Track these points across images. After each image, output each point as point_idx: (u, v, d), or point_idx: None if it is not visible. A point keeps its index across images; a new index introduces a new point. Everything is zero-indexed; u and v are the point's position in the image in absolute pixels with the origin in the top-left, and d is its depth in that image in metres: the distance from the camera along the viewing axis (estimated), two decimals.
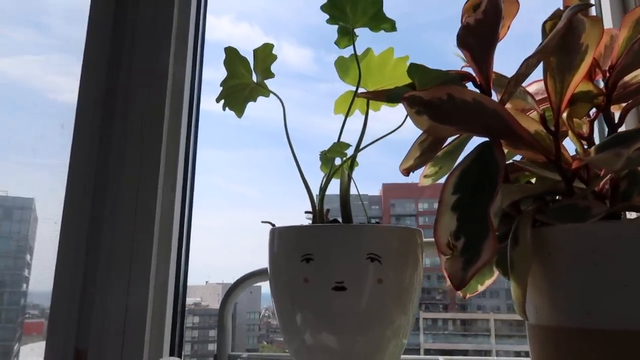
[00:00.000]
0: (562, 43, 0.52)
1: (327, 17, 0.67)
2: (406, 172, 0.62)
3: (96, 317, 0.75)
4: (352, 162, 0.59)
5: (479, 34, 0.52)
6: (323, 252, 0.49)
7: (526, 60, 0.49)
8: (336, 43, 0.69)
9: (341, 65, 0.69)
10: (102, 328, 0.74)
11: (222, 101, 0.65)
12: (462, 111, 0.52)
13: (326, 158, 0.64)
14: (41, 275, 0.86)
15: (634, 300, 0.45)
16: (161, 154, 0.82)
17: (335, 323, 0.49)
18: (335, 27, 0.67)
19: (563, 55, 0.52)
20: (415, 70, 0.56)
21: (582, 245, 0.48)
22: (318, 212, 0.56)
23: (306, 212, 0.59)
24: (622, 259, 0.46)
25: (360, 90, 0.67)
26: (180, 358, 0.68)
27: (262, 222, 0.57)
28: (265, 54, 0.62)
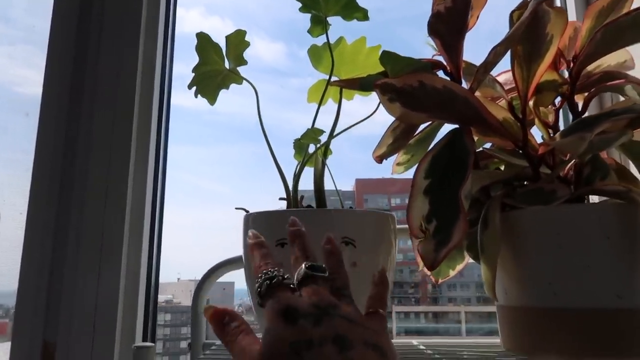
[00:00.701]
0: (528, 33, 0.53)
1: (300, 7, 0.67)
2: (379, 159, 0.63)
3: (65, 309, 0.73)
4: (326, 148, 0.59)
5: (449, 21, 0.53)
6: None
7: (494, 48, 0.50)
8: (309, 32, 0.69)
9: (314, 54, 0.69)
10: (71, 321, 0.73)
11: (194, 88, 0.64)
12: (433, 98, 0.53)
13: (300, 145, 0.64)
14: (3, 274, 0.83)
15: (596, 280, 0.47)
16: (131, 147, 0.80)
17: None
18: (308, 18, 0.67)
19: (529, 44, 0.54)
20: (387, 57, 0.57)
21: (547, 228, 0.49)
22: (292, 198, 0.56)
23: (280, 199, 0.59)
24: (585, 240, 0.48)
25: (333, 79, 0.68)
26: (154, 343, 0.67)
27: (236, 208, 0.57)
28: (237, 41, 0.62)
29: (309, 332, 0.29)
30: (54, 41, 0.85)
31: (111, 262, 0.73)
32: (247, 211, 0.56)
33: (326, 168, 0.57)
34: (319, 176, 0.56)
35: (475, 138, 0.64)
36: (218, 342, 0.63)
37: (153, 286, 0.77)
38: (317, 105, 0.65)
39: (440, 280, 0.66)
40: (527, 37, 0.53)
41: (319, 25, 0.68)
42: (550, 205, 0.49)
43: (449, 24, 0.53)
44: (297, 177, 0.58)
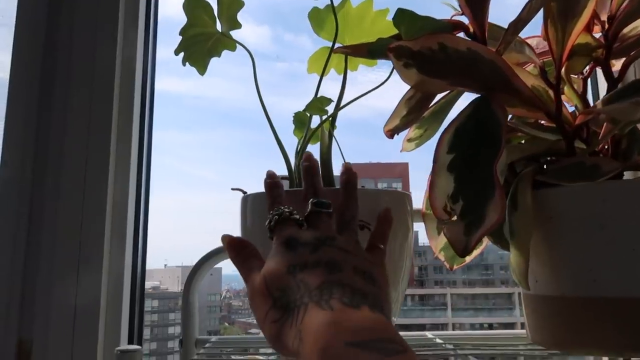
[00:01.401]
0: None
1: None
2: (390, 133, 0.56)
3: (41, 304, 0.66)
4: (333, 121, 0.52)
5: None
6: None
7: (529, 2, 0.44)
8: None
9: (315, 18, 0.62)
10: (49, 316, 0.66)
11: (182, 55, 0.57)
12: (456, 62, 0.47)
13: (301, 120, 0.57)
14: None
15: None
16: (111, 132, 0.73)
17: None
18: (293, 2, 0.60)
19: (565, 1, 0.47)
20: (402, 17, 0.50)
21: (588, 207, 0.44)
22: (296, 176, 0.50)
23: (282, 177, 0.52)
24: (632, 221, 0.42)
25: (337, 45, 0.61)
26: (140, 345, 0.61)
27: (232, 189, 0.50)
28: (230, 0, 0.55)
29: (305, 257, 0.33)
30: (21, 20, 0.77)
31: (92, 256, 0.66)
32: (244, 192, 0.50)
33: (335, 141, 0.51)
34: (325, 151, 0.50)
35: None
36: (212, 338, 0.57)
37: (139, 280, 0.71)
38: (318, 77, 0.59)
39: (455, 267, 0.61)
40: None
41: None
42: (590, 182, 0.43)
43: None
44: (300, 155, 0.51)
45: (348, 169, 0.43)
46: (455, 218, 0.42)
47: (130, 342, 0.65)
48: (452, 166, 0.44)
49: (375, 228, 0.42)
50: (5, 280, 0.67)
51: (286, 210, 0.37)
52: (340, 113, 0.53)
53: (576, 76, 0.57)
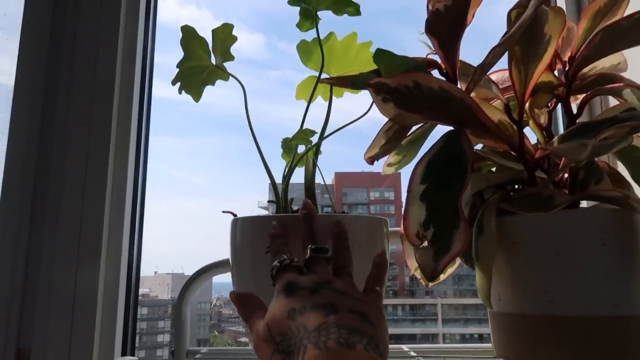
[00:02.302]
0: (526, 33, 0.52)
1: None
2: (371, 160, 0.61)
3: (40, 313, 0.70)
4: (317, 149, 0.57)
5: (448, 20, 0.51)
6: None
7: (493, 49, 0.49)
8: (298, 26, 0.67)
9: (304, 50, 0.67)
10: (47, 325, 0.69)
11: (178, 84, 0.61)
12: (429, 99, 0.52)
13: (289, 145, 0.62)
14: None
15: (593, 288, 0.46)
16: (110, 139, 0.76)
17: None
18: (287, 9, 0.65)
19: (527, 45, 0.52)
20: (381, 55, 0.55)
21: (544, 235, 0.48)
22: (282, 201, 0.54)
23: (269, 202, 0.57)
24: (582, 247, 0.47)
25: (323, 75, 0.65)
26: (134, 354, 0.64)
27: (223, 212, 0.54)
28: (224, 35, 0.59)
29: (304, 301, 0.34)
30: (27, 28, 0.81)
31: (89, 263, 0.69)
32: (234, 215, 0.54)
33: (318, 169, 0.55)
34: (309, 178, 0.54)
35: None
36: (203, 349, 0.61)
37: (133, 287, 0.74)
38: (306, 103, 0.63)
39: (430, 284, 0.65)
40: (525, 37, 0.52)
41: (308, 19, 0.66)
42: (544, 212, 0.48)
43: (447, 23, 0.51)
44: (286, 180, 0.55)
45: (339, 222, 0.45)
46: (426, 244, 0.46)
47: (124, 350, 0.69)
48: (424, 196, 0.49)
49: (372, 271, 0.44)
50: (5, 289, 0.70)
51: (287, 259, 0.39)
52: (334, 124, 0.58)
53: (543, 109, 0.62)
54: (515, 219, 0.50)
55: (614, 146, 0.44)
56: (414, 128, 0.62)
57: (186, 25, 0.57)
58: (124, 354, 0.66)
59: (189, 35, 0.58)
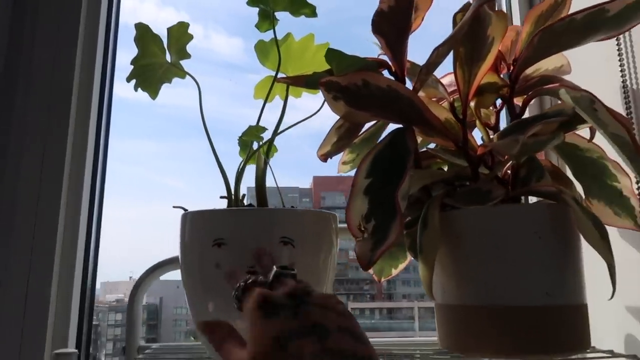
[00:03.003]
0: (470, 35, 0.54)
1: (247, 0, 0.65)
2: (324, 157, 0.62)
3: None
4: (269, 146, 0.58)
5: (392, 20, 0.53)
6: (234, 237, 0.48)
7: (436, 49, 0.50)
8: (257, 26, 0.68)
9: (261, 50, 0.68)
10: None
11: (134, 81, 0.62)
12: (377, 97, 0.53)
13: (244, 142, 0.62)
14: None
15: (528, 279, 0.48)
16: (67, 140, 0.75)
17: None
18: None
19: (471, 46, 0.54)
20: (332, 55, 0.56)
21: (483, 228, 0.50)
22: (233, 196, 0.55)
23: (221, 197, 0.57)
24: (518, 240, 0.49)
25: (281, 75, 0.67)
26: (82, 353, 0.64)
27: (174, 207, 0.55)
28: (180, 33, 0.60)
29: (289, 325, 0.31)
30: None
31: (44, 264, 0.69)
32: (185, 210, 0.54)
33: (269, 166, 0.56)
34: (260, 175, 0.55)
35: (420, 138, 0.64)
36: (154, 345, 0.61)
37: (89, 292, 0.73)
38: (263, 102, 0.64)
39: (383, 279, 0.66)
40: (468, 39, 0.54)
41: (266, 20, 0.67)
42: (486, 206, 0.50)
43: (393, 23, 0.53)
44: (238, 175, 0.56)
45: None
46: (366, 236, 0.48)
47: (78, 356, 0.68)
48: (367, 190, 0.50)
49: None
50: None
51: (251, 278, 0.36)
52: (312, 127, 0.59)
53: (491, 109, 0.64)
54: (458, 214, 0.52)
55: (548, 143, 0.46)
56: (367, 126, 0.63)
57: (140, 23, 0.58)
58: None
59: (143, 32, 0.58)
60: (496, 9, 0.56)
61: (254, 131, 0.54)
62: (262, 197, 0.55)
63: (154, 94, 0.64)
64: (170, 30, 0.60)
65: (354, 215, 0.49)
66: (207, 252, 0.48)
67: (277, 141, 0.63)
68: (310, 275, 0.50)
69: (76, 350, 0.52)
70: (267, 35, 0.69)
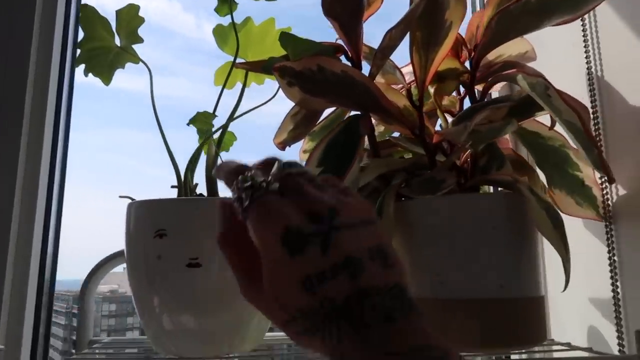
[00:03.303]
0: (427, 19, 0.52)
1: None
2: (281, 145, 0.60)
3: None
4: (222, 134, 0.56)
5: (345, 2, 0.51)
6: (176, 227, 0.46)
7: (389, 31, 0.49)
8: (216, 10, 0.66)
9: (220, 34, 0.66)
10: None
11: (83, 66, 0.59)
12: (332, 83, 0.51)
13: (201, 130, 0.60)
14: None
15: (481, 270, 0.47)
16: (22, 130, 0.72)
17: (192, 302, 0.47)
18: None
19: (427, 31, 0.52)
20: (286, 40, 0.54)
21: (437, 217, 0.49)
22: (183, 185, 0.53)
23: (172, 187, 0.55)
24: (472, 230, 0.47)
25: (241, 61, 0.65)
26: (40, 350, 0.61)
27: (120, 196, 0.53)
28: (130, 16, 0.58)
29: (319, 262, 0.26)
30: None
31: None
32: (132, 199, 0.52)
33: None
34: (210, 164, 0.53)
35: (383, 127, 0.63)
36: (105, 338, 0.59)
37: (47, 290, 0.70)
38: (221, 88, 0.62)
39: None
40: (425, 23, 0.52)
41: (225, 3, 0.65)
42: (439, 195, 0.48)
43: (345, 5, 0.51)
44: (190, 164, 0.54)
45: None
46: None
47: (32, 355, 0.65)
48: None
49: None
50: None
51: (256, 180, 0.28)
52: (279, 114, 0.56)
53: (455, 97, 0.62)
54: (413, 203, 0.51)
55: (500, 130, 0.45)
56: (327, 113, 0.62)
57: (86, 4, 0.56)
58: (32, 358, 0.63)
59: (89, 14, 0.56)
60: None
61: (202, 118, 0.52)
62: (212, 187, 0.53)
63: (106, 79, 0.62)
64: (119, 12, 0.57)
65: None
66: (149, 243, 0.47)
67: (245, 129, 0.61)
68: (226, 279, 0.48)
69: (2, 347, 0.50)
70: (225, 20, 0.67)
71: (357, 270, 0.26)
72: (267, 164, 0.29)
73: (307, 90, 0.53)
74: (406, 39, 0.54)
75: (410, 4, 0.54)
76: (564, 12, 0.47)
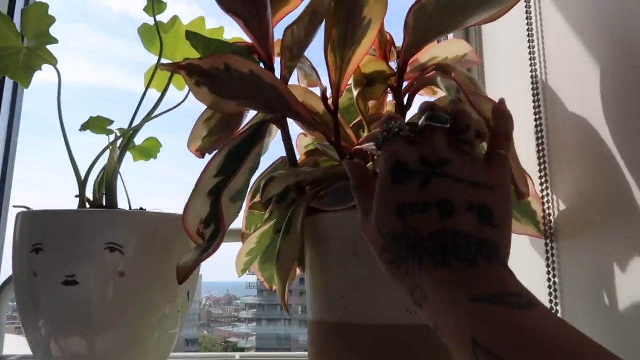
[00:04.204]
0: (344, 16, 0.48)
1: None
2: (199, 153, 0.56)
3: None
4: (128, 141, 0.52)
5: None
6: (53, 242, 0.42)
7: (289, 27, 0.44)
8: (145, 10, 0.62)
9: (145, 34, 0.62)
10: None
11: None
12: (240, 84, 0.47)
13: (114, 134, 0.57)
14: None
15: (387, 294, 0.42)
16: None
17: (72, 321, 0.43)
18: None
19: (344, 28, 0.48)
20: (195, 39, 0.51)
21: (345, 234, 0.44)
22: (80, 196, 0.50)
23: (76, 196, 0.52)
24: None
25: (168, 62, 0.61)
26: None
27: (14, 206, 0.49)
28: (38, 15, 0.54)
29: (414, 196, 0.29)
30: None
31: None
32: (28, 209, 0.49)
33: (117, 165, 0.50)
34: (110, 173, 0.49)
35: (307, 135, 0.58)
36: (17, 354, 0.56)
37: None
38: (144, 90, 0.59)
39: (274, 287, 0.60)
40: (343, 20, 0.48)
41: (150, 2, 0.61)
42: (345, 209, 0.43)
43: (245, 3, 0.47)
44: (87, 173, 0.51)
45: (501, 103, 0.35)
46: (202, 243, 0.42)
47: None
48: (214, 190, 0.44)
49: (493, 128, 0.34)
50: None
51: (396, 125, 0.32)
52: None
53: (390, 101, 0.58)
54: (322, 218, 0.46)
55: None
56: (251, 117, 0.57)
57: None
58: None
59: None
60: None
61: (98, 123, 0.48)
62: (110, 198, 0.49)
63: (24, 82, 0.59)
64: (24, 12, 0.54)
65: (191, 217, 0.43)
66: (25, 258, 0.43)
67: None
68: (146, 283, 0.45)
69: None
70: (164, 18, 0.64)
71: (447, 213, 0.28)
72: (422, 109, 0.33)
73: (216, 91, 0.49)
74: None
75: None
76: (479, 10, 0.42)
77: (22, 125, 0.83)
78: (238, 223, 0.60)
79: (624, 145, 0.42)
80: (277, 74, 0.50)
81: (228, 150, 0.47)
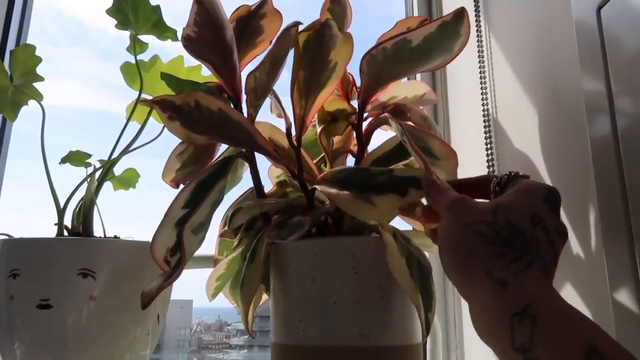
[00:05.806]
0: (312, 58, 0.52)
1: (115, 23, 0.65)
2: (174, 183, 0.60)
3: None
4: (107, 172, 0.56)
5: (211, 46, 0.51)
6: (28, 267, 0.46)
7: (251, 73, 0.48)
8: (127, 49, 0.67)
9: (127, 71, 0.67)
10: None
11: None
12: (209, 120, 0.51)
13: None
14: None
15: (342, 317, 0.45)
16: None
17: (46, 343, 0.46)
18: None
19: (310, 71, 0.52)
20: (169, 80, 0.55)
21: (304, 261, 0.47)
22: (59, 224, 0.53)
23: (55, 224, 0.55)
24: (335, 275, 0.46)
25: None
26: None
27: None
28: (26, 55, 0.59)
29: (550, 218, 0.32)
30: None
31: None
32: (9, 236, 0.52)
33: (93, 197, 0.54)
34: (87, 203, 0.53)
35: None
36: None
37: None
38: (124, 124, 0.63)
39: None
40: (309, 63, 0.52)
41: (136, 43, 0.66)
42: (307, 239, 0.47)
43: (211, 48, 0.51)
44: (66, 202, 0.54)
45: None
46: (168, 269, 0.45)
47: None
48: (181, 221, 0.47)
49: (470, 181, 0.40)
50: None
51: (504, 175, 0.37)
52: None
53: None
54: (284, 245, 0.49)
55: None
56: (222, 150, 0.61)
57: None
58: None
59: None
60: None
61: (77, 157, 0.52)
62: (86, 227, 0.52)
63: (11, 116, 0.63)
64: (13, 53, 0.58)
65: (159, 246, 0.46)
66: (2, 283, 0.46)
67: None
68: (117, 308, 0.47)
69: None
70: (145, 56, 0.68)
71: (558, 237, 0.32)
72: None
73: (187, 126, 0.53)
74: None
75: (295, 44, 0.53)
76: (420, 62, 0.46)
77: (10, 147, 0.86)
78: (212, 249, 0.64)
79: (557, 184, 0.46)
80: (245, 112, 0.54)
81: (196, 184, 0.50)
